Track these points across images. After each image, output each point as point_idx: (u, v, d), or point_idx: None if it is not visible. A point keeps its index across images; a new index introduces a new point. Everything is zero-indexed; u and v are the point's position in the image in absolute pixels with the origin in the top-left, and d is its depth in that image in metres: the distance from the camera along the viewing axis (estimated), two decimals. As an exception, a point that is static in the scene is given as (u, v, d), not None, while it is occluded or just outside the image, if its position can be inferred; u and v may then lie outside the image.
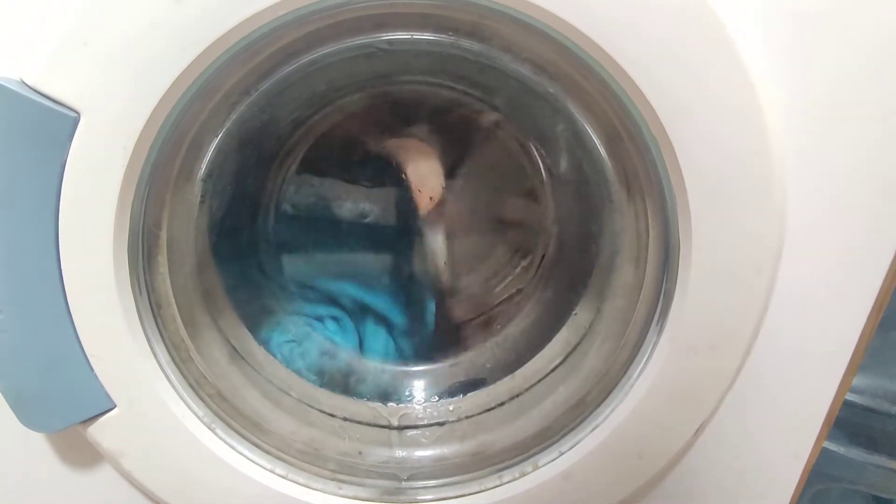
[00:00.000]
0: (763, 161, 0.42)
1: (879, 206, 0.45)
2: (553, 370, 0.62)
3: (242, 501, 0.51)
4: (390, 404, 0.64)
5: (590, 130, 0.53)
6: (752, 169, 0.42)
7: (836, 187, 0.44)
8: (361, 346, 0.72)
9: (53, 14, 0.41)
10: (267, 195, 0.69)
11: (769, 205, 0.43)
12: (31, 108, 0.40)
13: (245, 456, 0.52)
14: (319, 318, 0.72)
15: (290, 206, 0.71)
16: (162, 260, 0.51)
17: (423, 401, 0.65)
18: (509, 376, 0.65)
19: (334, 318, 0.73)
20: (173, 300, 0.52)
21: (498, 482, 0.53)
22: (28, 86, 0.40)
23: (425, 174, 0.72)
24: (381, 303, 0.76)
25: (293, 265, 0.73)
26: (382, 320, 0.74)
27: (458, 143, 0.71)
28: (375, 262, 0.77)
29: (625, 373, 0.51)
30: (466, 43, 0.48)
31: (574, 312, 0.62)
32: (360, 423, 0.62)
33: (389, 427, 0.62)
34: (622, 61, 0.40)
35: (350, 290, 0.75)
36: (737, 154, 0.42)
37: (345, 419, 0.62)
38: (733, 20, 0.40)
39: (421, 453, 0.59)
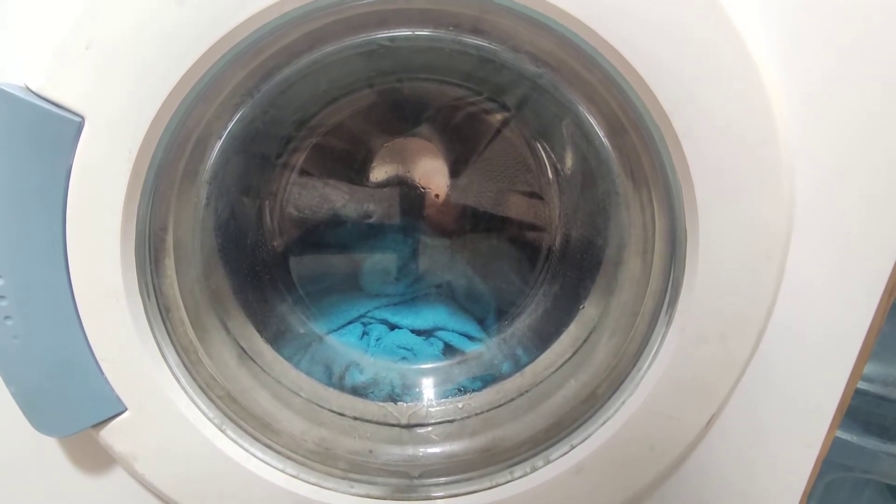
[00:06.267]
0: (770, 148, 0.42)
1: (889, 192, 0.44)
2: (562, 365, 0.62)
3: (254, 502, 0.52)
4: (400, 402, 0.64)
5: (593, 123, 0.53)
6: (758, 156, 0.42)
7: (844, 173, 0.44)
8: (369, 345, 0.72)
9: (55, 19, 0.41)
10: (272, 196, 0.69)
11: (777, 192, 0.43)
12: (35, 113, 0.40)
13: (256, 456, 0.52)
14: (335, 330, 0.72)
15: (295, 207, 0.71)
16: (169, 263, 0.51)
17: (432, 398, 0.65)
18: (518, 373, 0.64)
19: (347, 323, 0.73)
20: (181, 303, 0.53)
21: (509, 477, 0.53)
22: (32, 91, 0.40)
23: (430, 172, 0.72)
24: (387, 303, 0.76)
25: (299, 265, 0.73)
26: (391, 320, 0.74)
27: (462, 139, 0.71)
28: (381, 261, 0.77)
29: (634, 365, 0.51)
30: (468, 38, 0.48)
31: (582, 306, 0.62)
32: (370, 421, 0.62)
33: (399, 425, 0.62)
34: (624, 50, 0.40)
35: (358, 295, 0.75)
36: (743, 141, 0.41)
37: (355, 418, 0.62)
38: (735, 4, 0.40)
39: (431, 450, 0.59)
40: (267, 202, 0.69)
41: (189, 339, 0.53)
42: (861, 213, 0.45)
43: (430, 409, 0.63)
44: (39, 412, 0.47)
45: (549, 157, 0.69)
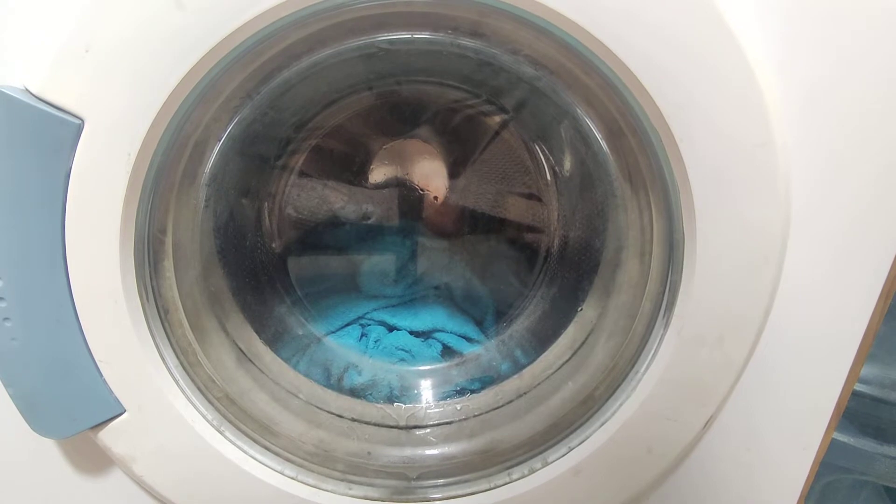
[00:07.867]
0: (767, 150, 0.42)
1: (885, 194, 0.44)
2: (560, 367, 0.62)
3: (253, 503, 0.52)
4: (398, 404, 0.64)
5: (592, 126, 0.53)
6: (755, 159, 0.42)
7: (840, 175, 0.44)
8: (368, 347, 0.72)
9: (55, 22, 0.41)
10: (271, 198, 0.69)
11: (774, 195, 0.43)
12: (35, 115, 0.40)
13: (255, 458, 0.52)
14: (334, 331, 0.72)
15: (294, 209, 0.71)
16: (168, 265, 0.52)
17: (430, 400, 0.65)
18: (516, 375, 0.64)
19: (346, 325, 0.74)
20: (180, 305, 0.53)
21: (507, 479, 0.53)
22: (32, 94, 0.40)
23: (429, 174, 0.72)
24: (386, 304, 0.76)
25: (298, 267, 0.73)
26: (390, 322, 0.74)
27: (460, 141, 0.71)
28: (380, 263, 0.77)
29: (632, 367, 0.51)
30: (466, 41, 0.48)
31: (580, 308, 0.62)
32: (368, 423, 0.62)
33: (398, 427, 0.62)
34: (621, 54, 0.40)
35: (356, 296, 0.75)
36: (740, 144, 0.42)
37: (353, 420, 0.62)
38: (731, 9, 0.40)
39: (429, 452, 0.59)
40: (266, 204, 0.69)
41: (188, 341, 0.53)
42: (858, 215, 0.45)
43: (429, 410, 0.64)
44: (38, 414, 0.47)
45: (547, 160, 0.69)
